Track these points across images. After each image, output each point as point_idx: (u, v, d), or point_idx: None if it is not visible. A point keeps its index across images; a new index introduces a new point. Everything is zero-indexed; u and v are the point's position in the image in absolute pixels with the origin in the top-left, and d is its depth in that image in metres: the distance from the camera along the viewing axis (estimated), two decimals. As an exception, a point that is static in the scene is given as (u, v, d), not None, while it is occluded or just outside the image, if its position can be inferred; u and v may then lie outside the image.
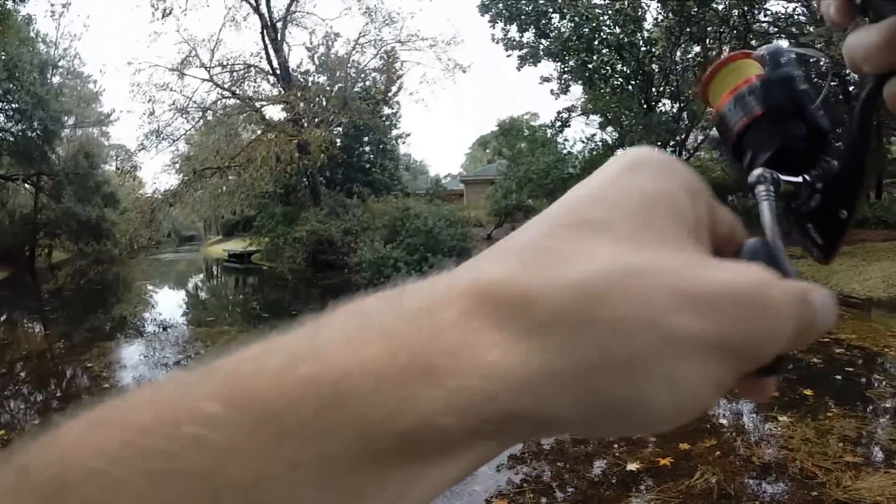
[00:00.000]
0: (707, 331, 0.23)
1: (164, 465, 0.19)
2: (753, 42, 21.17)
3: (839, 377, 6.34)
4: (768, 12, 21.42)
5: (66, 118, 35.14)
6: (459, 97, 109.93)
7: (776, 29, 21.78)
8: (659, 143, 21.60)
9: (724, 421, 5.76)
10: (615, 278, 0.23)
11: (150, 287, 21.10)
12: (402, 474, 0.21)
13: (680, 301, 0.23)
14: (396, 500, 0.21)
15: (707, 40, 20.89)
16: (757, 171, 0.39)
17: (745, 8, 19.81)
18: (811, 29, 20.06)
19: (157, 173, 44.69)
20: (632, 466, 4.58)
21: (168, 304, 16.40)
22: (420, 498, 0.22)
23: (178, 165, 26.40)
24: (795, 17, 21.65)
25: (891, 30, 0.35)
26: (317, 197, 25.57)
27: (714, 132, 0.48)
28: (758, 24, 21.24)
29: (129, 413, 0.22)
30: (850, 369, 6.58)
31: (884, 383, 6.73)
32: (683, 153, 23.59)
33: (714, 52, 21.09)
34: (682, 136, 22.61)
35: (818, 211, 0.42)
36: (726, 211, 0.33)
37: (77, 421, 0.22)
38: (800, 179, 0.41)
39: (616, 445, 5.10)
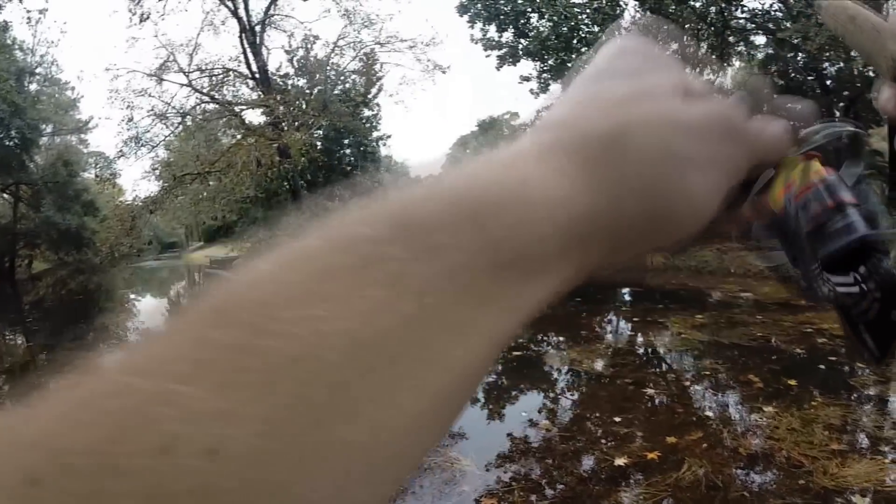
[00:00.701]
0: (702, 149, 0.31)
1: (362, 270, 0.23)
2: (731, 38, 21.38)
3: (822, 367, 6.42)
4: (745, 9, 21.64)
5: (43, 126, 34.75)
6: (439, 98, 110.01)
7: (753, 25, 22.00)
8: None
9: (710, 413, 5.81)
10: (639, 122, 0.30)
11: (132, 296, 20.93)
12: (516, 287, 0.26)
13: (682, 132, 0.31)
14: (510, 310, 0.26)
15: (685, 37, 21.02)
16: (825, 290, 0.42)
17: (723, 4, 19.98)
18: (788, 25, 20.29)
19: (137, 180, 44.42)
20: (620, 461, 4.60)
21: (151, 312, 16.26)
22: (524, 310, 0.27)
23: (157, 172, 26.21)
24: (772, 13, 21.89)
25: None
26: (298, 200, 25.48)
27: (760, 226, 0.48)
28: (735, 20, 21.43)
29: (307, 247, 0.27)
30: (833, 359, 6.66)
31: (866, 371, 6.80)
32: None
33: (691, 49, 21.21)
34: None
35: (875, 314, 0.42)
36: (699, 82, 0.39)
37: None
38: (850, 279, 0.41)
39: (604, 440, 5.13)
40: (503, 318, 0.26)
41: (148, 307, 17.84)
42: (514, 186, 0.27)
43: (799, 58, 21.94)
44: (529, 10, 21.64)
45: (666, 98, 0.32)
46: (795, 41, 18.90)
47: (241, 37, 25.24)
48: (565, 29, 20.91)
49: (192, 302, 0.26)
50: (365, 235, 0.25)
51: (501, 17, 22.10)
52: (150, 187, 28.51)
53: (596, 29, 21.41)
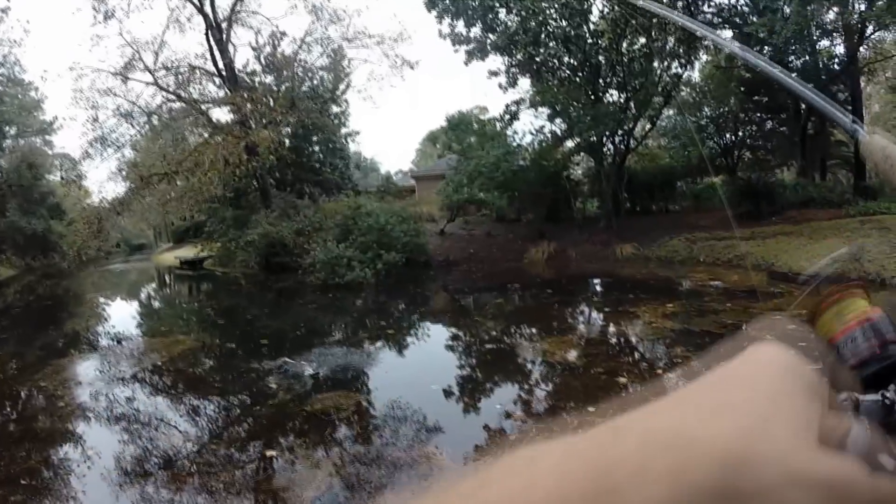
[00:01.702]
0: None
1: None
2: (698, 33, 21.55)
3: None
4: (713, 3, 21.90)
5: (7, 128, 34.14)
6: (408, 93, 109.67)
7: (720, 20, 22.28)
8: (607, 133, 21.91)
9: None
10: (755, 461, 0.30)
11: (101, 300, 20.64)
12: None
13: (792, 482, 0.30)
14: None
15: (653, 32, 21.22)
16: (842, 396, 0.45)
17: None
18: (754, 19, 20.57)
19: (104, 182, 43.53)
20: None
21: (121, 315, 16.07)
22: None
23: (124, 173, 25.80)
24: (739, 7, 22.18)
25: None
26: (267, 199, 25.30)
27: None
28: (702, 14, 21.67)
29: None
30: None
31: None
32: (632, 141, 23.98)
33: (659, 44, 21.45)
34: (630, 126, 22.96)
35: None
36: (833, 396, 0.40)
37: None
38: (878, 397, 0.46)
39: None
40: None
41: (118, 311, 17.62)
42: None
43: (765, 51, 22.24)
44: (497, 5, 21.66)
45: (791, 451, 0.32)
46: (762, 35, 19.12)
47: (207, 34, 24.97)
48: (533, 24, 20.97)
49: None
50: None
51: (469, 12, 22.10)
52: (117, 188, 27.98)
53: (564, 24, 21.51)
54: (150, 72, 24.84)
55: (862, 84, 25.29)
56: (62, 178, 34.56)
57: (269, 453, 5.19)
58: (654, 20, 20.61)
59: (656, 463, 0.30)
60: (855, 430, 0.37)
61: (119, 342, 11.53)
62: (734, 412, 0.32)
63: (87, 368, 9.06)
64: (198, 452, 5.39)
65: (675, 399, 0.36)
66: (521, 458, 0.32)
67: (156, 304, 20.42)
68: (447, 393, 6.75)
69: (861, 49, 21.31)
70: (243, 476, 4.76)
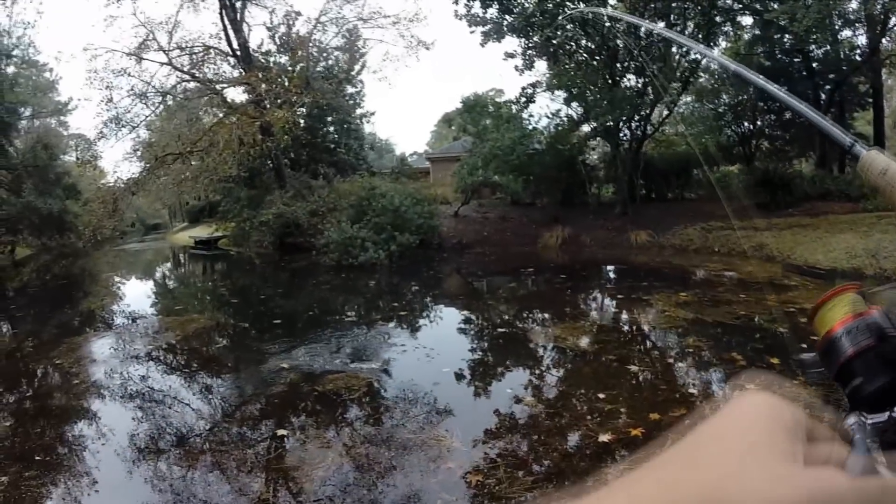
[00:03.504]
0: None
1: None
2: (717, 18, 21.31)
3: (805, 346, 6.48)
4: (733, -11, 21.59)
5: (22, 109, 34.28)
6: (423, 74, 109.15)
7: (740, 6, 21.96)
8: (623, 118, 21.72)
9: (693, 391, 5.89)
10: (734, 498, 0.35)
11: (116, 279, 20.81)
12: None
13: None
14: None
15: (671, 16, 20.97)
16: (851, 420, 0.47)
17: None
18: (775, 6, 20.25)
19: (119, 162, 43.82)
20: (604, 438, 4.66)
21: (136, 294, 16.21)
22: None
23: (139, 153, 25.92)
24: (760, -7, 21.84)
25: None
26: (282, 179, 25.35)
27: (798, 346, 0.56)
28: (722, 0, 21.38)
29: None
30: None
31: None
32: (648, 128, 23.76)
33: (679, 28, 21.17)
34: (647, 111, 22.75)
35: None
36: (822, 427, 0.44)
37: None
38: (885, 417, 0.47)
39: (588, 417, 5.19)
40: None
41: (133, 290, 17.76)
42: None
43: (785, 39, 21.92)
44: (515, -15, 21.49)
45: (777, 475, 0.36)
46: (782, 23, 18.84)
47: (221, 13, 24.96)
48: (550, 5, 20.75)
49: None
50: None
51: (486, -8, 21.93)
52: (132, 168, 28.19)
53: (581, 6, 21.27)
54: (164, 52, 24.87)
55: (884, 76, 24.92)
56: (77, 158, 34.70)
57: (280, 432, 5.22)
58: (674, 5, 20.39)
59: None
60: (852, 458, 0.41)
61: (134, 321, 11.63)
62: (715, 463, 0.37)
63: (101, 346, 9.15)
64: (210, 430, 5.44)
65: (664, 461, 0.40)
66: None
67: (170, 283, 20.57)
68: (458, 376, 6.76)
69: (883, 41, 20.94)
70: (255, 454, 4.80)
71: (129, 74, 24.96)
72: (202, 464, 4.66)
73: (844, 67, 21.93)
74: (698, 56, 22.44)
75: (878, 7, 18.87)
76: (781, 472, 0.37)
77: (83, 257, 28.26)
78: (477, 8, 22.60)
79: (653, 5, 20.33)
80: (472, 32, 23.16)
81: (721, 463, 0.37)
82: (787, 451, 0.38)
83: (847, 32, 21.90)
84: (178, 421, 5.67)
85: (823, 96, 22.59)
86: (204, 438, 5.23)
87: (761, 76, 1.07)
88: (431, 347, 8.02)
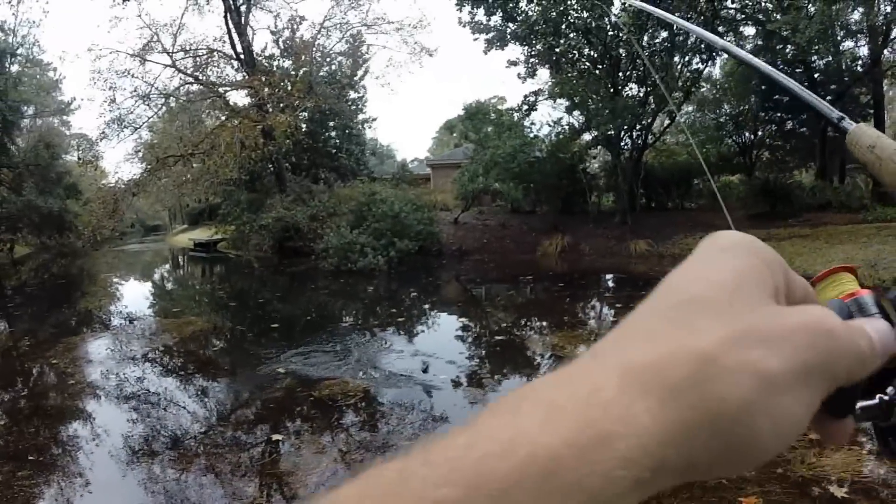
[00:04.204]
0: (789, 363, 0.31)
1: None
2: (720, 28, 21.38)
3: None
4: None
5: (25, 108, 34.27)
6: (426, 81, 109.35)
7: (743, 16, 22.01)
8: (625, 127, 21.75)
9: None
10: (721, 345, 0.31)
11: (115, 279, 20.80)
12: None
13: (766, 346, 0.31)
14: None
15: (674, 26, 21.02)
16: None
17: (714, -7, 19.98)
18: (778, 16, 20.31)
19: (120, 162, 43.85)
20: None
21: (134, 296, 16.19)
22: None
23: (140, 154, 25.94)
24: (762, 4, 21.90)
25: None
26: (282, 183, 25.34)
27: None
28: (725, 10, 21.43)
29: None
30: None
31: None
32: (650, 137, 23.78)
33: (681, 38, 21.21)
34: (649, 121, 22.77)
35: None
36: (800, 279, 0.41)
37: None
38: (876, 401, 0.46)
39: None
40: None
41: (131, 291, 17.74)
42: (595, 441, 0.28)
43: (787, 50, 21.95)
44: (518, -8, 21.54)
45: (755, 344, 0.31)
46: (784, 33, 18.89)
47: (225, 17, 25.00)
48: (554, 14, 20.81)
49: None
50: (438, 500, 0.26)
51: (490, 0, 21.98)
52: (133, 170, 28.19)
53: (585, 14, 21.31)
54: (168, 54, 24.91)
55: (885, 87, 24.95)
56: (79, 158, 34.67)
57: (275, 437, 5.19)
58: (676, 14, 20.41)
59: (638, 405, 0.29)
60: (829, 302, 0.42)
61: (131, 322, 11.61)
62: (698, 320, 0.33)
63: (98, 347, 9.13)
64: (205, 433, 5.42)
65: (643, 316, 0.36)
66: (506, 406, 0.31)
67: (168, 285, 20.55)
68: (455, 383, 6.74)
69: (885, 52, 20.96)
70: (249, 459, 4.78)
71: (132, 76, 25.03)
72: (196, 467, 4.63)
73: (846, 78, 21.96)
74: (699, 66, 22.50)
75: (881, 18, 18.90)
76: (772, 308, 0.34)
77: (82, 257, 28.25)
78: (480, 16, 22.68)
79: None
80: (475, 40, 23.22)
81: (705, 322, 0.33)
82: (773, 291, 0.36)
83: (849, 43, 21.98)
84: (173, 423, 5.65)
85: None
86: (198, 441, 5.20)
87: (749, 54, 1.04)
88: (429, 354, 7.99)
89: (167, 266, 27.37)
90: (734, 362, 0.31)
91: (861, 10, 19.42)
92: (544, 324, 10.56)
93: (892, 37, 20.25)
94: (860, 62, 21.99)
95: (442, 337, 9.94)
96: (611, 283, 15.86)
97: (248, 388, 6.90)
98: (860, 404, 0.45)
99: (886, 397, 0.46)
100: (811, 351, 0.32)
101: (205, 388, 6.94)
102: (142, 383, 7.03)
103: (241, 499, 4.13)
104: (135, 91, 25.25)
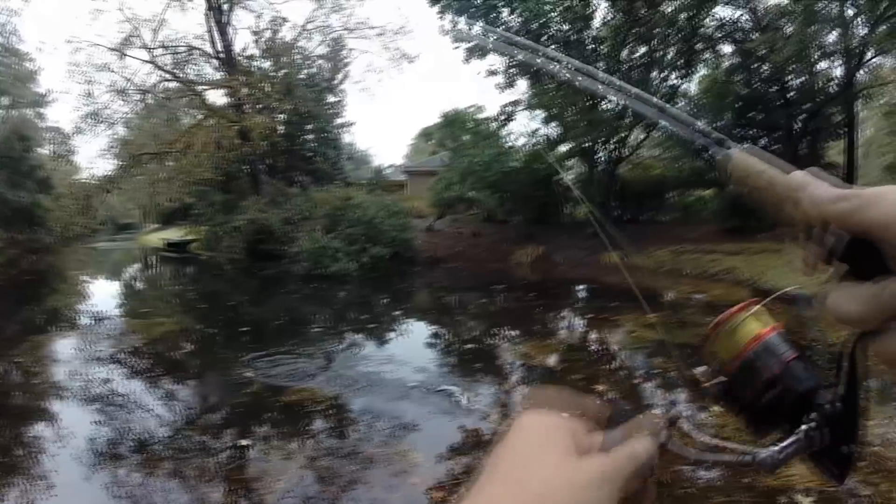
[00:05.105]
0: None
1: None
2: (698, 46, 21.71)
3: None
4: (714, 17, 21.95)
5: (0, 98, 33.73)
6: (405, 87, 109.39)
7: (721, 34, 22.36)
8: (602, 140, 21.96)
9: (657, 410, 5.92)
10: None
11: (84, 277, 20.52)
12: None
13: (566, 489, 0.46)
14: None
15: (653, 42, 21.30)
16: (762, 456, 0.51)
17: (693, 12, 20.24)
18: (755, 36, 20.65)
19: (94, 158, 43.13)
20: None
21: (103, 295, 15.97)
22: None
23: (115, 150, 25.67)
24: (741, 23, 22.26)
25: (871, 302, 0.43)
26: (257, 185, 25.19)
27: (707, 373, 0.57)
28: (704, 28, 21.73)
29: None
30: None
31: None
32: (625, 150, 24.03)
33: (660, 54, 21.50)
34: (625, 134, 23.01)
35: (829, 449, 0.51)
36: (584, 426, 0.54)
37: None
38: (799, 436, 0.51)
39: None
40: None
41: (100, 290, 17.51)
42: None
43: (764, 69, 22.33)
44: (500, 3, 21.67)
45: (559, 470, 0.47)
46: (762, 52, 19.23)
47: (207, 14, 24.83)
48: (535, 26, 21.01)
49: None
50: None
51: (472, 9, 22.10)
52: (107, 166, 27.81)
53: (566, 27, 21.52)
54: (147, 49, 24.68)
55: (857, 108, 25.43)
56: (52, 151, 34.20)
57: (242, 442, 5.17)
58: (656, 31, 20.69)
59: None
60: (607, 436, 0.52)
61: (99, 321, 11.47)
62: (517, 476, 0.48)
63: (65, 346, 9.02)
64: (171, 437, 5.38)
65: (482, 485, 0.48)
66: None
67: (138, 285, 20.31)
68: (425, 391, 6.75)
69: (859, 73, 21.39)
70: (216, 463, 4.75)
71: (110, 70, 24.76)
72: (162, 471, 4.60)
73: (820, 98, 22.33)
74: (676, 83, 22.74)
75: (856, 41, 19.30)
76: (562, 468, 0.47)
77: (52, 253, 27.82)
78: (462, 25, 22.78)
79: (636, 30, 20.61)
80: (455, 48, 23.34)
81: (521, 475, 0.47)
82: (565, 448, 0.49)
83: (824, 64, 22.33)
84: (139, 426, 5.60)
85: (798, 125, 22.98)
86: (165, 445, 5.16)
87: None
88: (398, 361, 8.00)
89: (138, 265, 27.04)
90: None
91: (837, 31, 19.83)
92: (515, 333, 10.62)
93: (866, 59, 20.66)
94: (834, 83, 22.37)
95: (412, 343, 9.95)
96: (583, 294, 15.98)
97: (216, 392, 6.86)
98: (785, 444, 0.50)
99: (804, 427, 0.50)
100: (593, 492, 0.47)
101: (172, 391, 6.88)
102: (108, 384, 6.95)
103: (207, 504, 4.11)
104: (112, 86, 24.99)
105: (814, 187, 0.49)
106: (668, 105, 0.69)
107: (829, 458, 0.51)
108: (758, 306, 0.56)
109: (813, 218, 0.48)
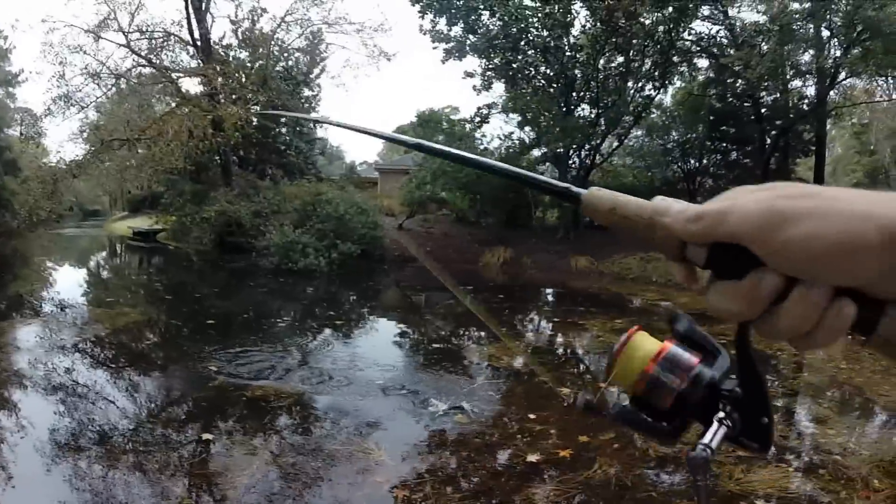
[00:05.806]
0: None
1: None
2: (675, 58, 21.99)
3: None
4: (692, 31, 22.26)
5: (-30, 76, 33.00)
6: (381, 85, 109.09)
7: (698, 48, 22.69)
8: (574, 146, 22.15)
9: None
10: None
11: (49, 264, 20.18)
12: None
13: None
14: None
15: (631, 52, 21.51)
16: (692, 454, 0.54)
17: (671, 25, 20.50)
18: (731, 51, 20.97)
19: (63, 142, 42.20)
20: (533, 458, 4.73)
21: (68, 282, 15.73)
22: None
23: (85, 134, 25.18)
24: (718, 38, 22.60)
25: (748, 296, 0.49)
26: (228, 176, 24.94)
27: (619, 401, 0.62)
28: (681, 41, 22.01)
29: None
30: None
31: (776, 383, 7.20)
32: (598, 157, 24.24)
33: (637, 65, 21.74)
34: (598, 141, 23.22)
35: (746, 427, 0.56)
36: None
37: None
38: (718, 425, 0.55)
39: (518, 436, 5.26)
40: None
41: (65, 277, 17.24)
42: None
43: (738, 84, 22.70)
44: (481, 6, 21.70)
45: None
46: (737, 68, 19.55)
47: (186, 1, 24.51)
48: (515, 30, 21.09)
49: None
50: None
51: (453, 10, 22.12)
52: (76, 150, 27.21)
53: (545, 33, 21.63)
54: (123, 33, 24.18)
55: (828, 126, 25.97)
56: (21, 133, 33.42)
57: (205, 436, 5.15)
58: (634, 41, 20.91)
59: None
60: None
61: (63, 309, 11.31)
62: None
63: (27, 334, 8.88)
64: (134, 430, 5.33)
65: None
66: None
67: (104, 273, 20.03)
68: (390, 389, 6.77)
69: (831, 93, 21.84)
70: (179, 458, 4.73)
71: (84, 52, 24.17)
72: (124, 464, 4.56)
73: (791, 115, 22.74)
74: (652, 93, 22.97)
75: (830, 61, 19.70)
76: None
77: (16, 238, 27.26)
78: (442, 25, 22.82)
79: (614, 40, 20.79)
80: (434, 48, 23.34)
81: None
82: None
83: (797, 82, 22.75)
84: (101, 418, 5.54)
85: (769, 141, 23.39)
86: (127, 438, 5.12)
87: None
88: (364, 359, 8.01)
89: (104, 253, 26.65)
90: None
91: (812, 52, 20.25)
92: (482, 334, 10.66)
93: (838, 80, 21.09)
94: (806, 101, 22.81)
95: (379, 342, 9.97)
96: (550, 297, 16.12)
97: (180, 384, 6.82)
98: (709, 438, 0.54)
99: (722, 415, 0.55)
100: None
101: (135, 383, 6.81)
102: (70, 374, 6.87)
103: (170, 498, 4.09)
104: (85, 69, 24.40)
105: (673, 210, 0.53)
106: (515, 167, 0.71)
107: (747, 436, 0.55)
108: (641, 331, 0.64)
109: (677, 238, 0.53)
